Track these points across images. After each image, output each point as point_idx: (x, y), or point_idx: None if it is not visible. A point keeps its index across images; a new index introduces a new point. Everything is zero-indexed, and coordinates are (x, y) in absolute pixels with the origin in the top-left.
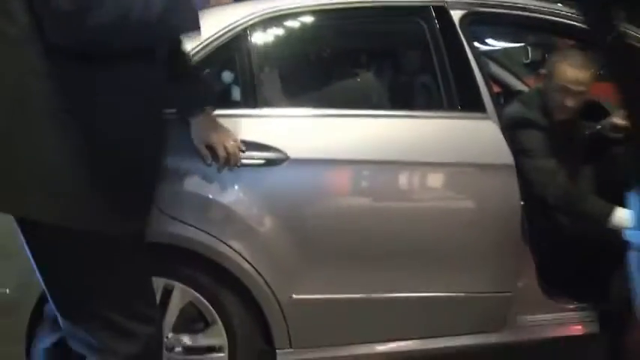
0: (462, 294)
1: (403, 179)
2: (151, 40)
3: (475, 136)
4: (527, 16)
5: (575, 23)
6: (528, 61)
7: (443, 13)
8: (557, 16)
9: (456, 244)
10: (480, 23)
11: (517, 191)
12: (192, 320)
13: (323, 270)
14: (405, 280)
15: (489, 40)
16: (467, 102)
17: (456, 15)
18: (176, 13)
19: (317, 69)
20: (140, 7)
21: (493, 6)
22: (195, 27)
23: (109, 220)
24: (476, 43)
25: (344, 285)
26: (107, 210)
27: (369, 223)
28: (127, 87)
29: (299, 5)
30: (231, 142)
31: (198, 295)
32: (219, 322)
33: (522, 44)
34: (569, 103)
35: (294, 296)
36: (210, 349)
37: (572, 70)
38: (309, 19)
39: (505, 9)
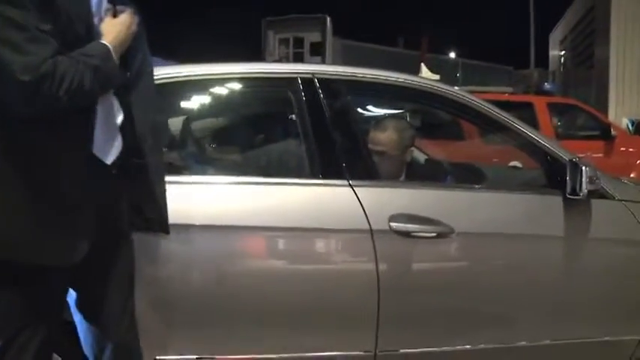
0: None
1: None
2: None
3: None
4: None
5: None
6: None
7: (310, 84)
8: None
9: None
10: (352, 93)
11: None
12: None
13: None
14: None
15: (370, 108)
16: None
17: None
18: (108, 74)
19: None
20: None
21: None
22: (121, 80)
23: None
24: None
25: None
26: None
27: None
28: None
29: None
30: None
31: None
32: None
33: (402, 110)
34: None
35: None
36: None
37: (374, 132)
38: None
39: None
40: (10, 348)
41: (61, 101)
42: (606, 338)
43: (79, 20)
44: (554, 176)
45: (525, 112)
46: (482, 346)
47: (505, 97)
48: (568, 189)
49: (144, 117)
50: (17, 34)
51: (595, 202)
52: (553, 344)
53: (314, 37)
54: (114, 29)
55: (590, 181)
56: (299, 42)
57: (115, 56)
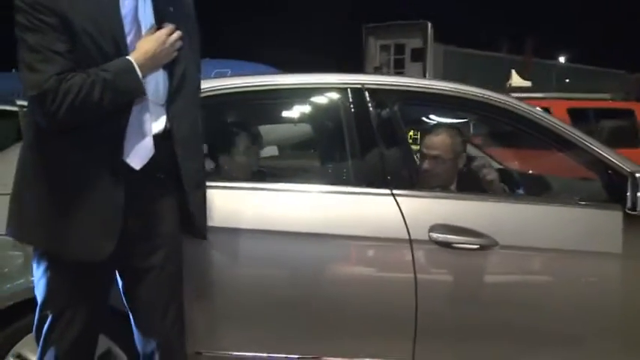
0: None
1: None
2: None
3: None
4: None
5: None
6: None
7: (359, 94)
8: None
9: None
10: (402, 103)
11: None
12: None
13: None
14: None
15: (423, 117)
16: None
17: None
18: (119, 88)
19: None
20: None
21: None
22: (138, 93)
23: None
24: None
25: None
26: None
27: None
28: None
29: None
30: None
31: (112, 342)
32: None
33: (465, 120)
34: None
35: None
36: None
37: (428, 136)
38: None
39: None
40: (59, 320)
41: (63, 114)
42: None
43: (104, 39)
44: (614, 190)
45: (624, 119)
46: None
47: (604, 104)
48: (628, 204)
49: (179, 127)
50: (31, 56)
51: None
52: None
53: (415, 43)
54: (145, 45)
55: None
56: (400, 48)
57: (140, 70)
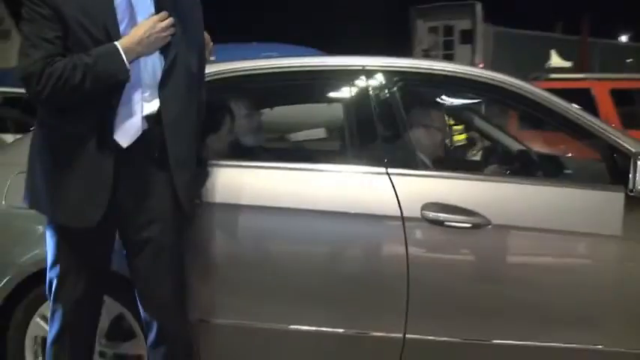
0: None
1: None
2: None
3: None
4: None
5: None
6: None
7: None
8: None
9: None
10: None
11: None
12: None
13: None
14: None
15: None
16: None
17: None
18: (99, 72)
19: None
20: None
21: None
22: (121, 76)
23: None
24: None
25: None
26: None
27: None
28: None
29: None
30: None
31: (124, 308)
32: (141, 335)
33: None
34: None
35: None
36: (138, 359)
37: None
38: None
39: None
40: (64, 281)
41: (47, 94)
42: None
43: (96, 27)
44: (617, 171)
45: None
46: (511, 342)
47: None
48: (630, 185)
49: (168, 110)
50: (24, 43)
51: None
52: (594, 349)
53: (464, 24)
54: (135, 32)
55: None
56: (449, 30)
57: (126, 54)
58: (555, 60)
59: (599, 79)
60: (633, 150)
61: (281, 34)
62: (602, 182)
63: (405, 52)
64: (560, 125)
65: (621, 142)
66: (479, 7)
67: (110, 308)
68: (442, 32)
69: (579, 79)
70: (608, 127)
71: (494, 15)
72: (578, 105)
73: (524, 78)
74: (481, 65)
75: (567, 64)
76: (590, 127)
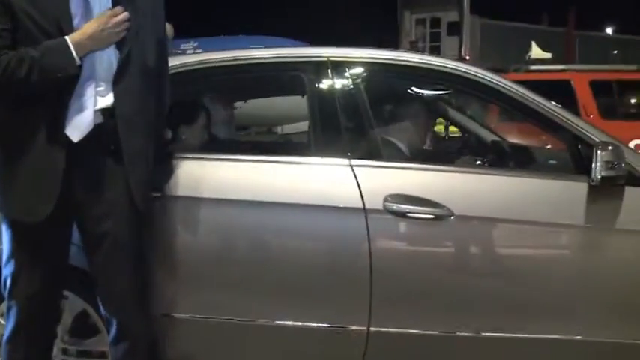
0: None
1: None
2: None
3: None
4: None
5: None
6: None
7: (322, 66)
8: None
9: None
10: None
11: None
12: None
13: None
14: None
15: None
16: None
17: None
18: (47, 66)
19: None
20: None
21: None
22: (69, 70)
23: None
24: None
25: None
26: None
27: None
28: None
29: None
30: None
31: (87, 304)
32: (105, 331)
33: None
34: None
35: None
36: (102, 355)
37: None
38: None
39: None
40: (19, 277)
41: None
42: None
43: (47, 20)
44: (581, 161)
45: None
46: (478, 333)
47: (630, 75)
48: (592, 175)
49: (122, 104)
50: None
51: (631, 190)
52: (555, 339)
53: (452, 16)
54: (88, 27)
55: (607, 166)
56: (436, 22)
57: (76, 49)
58: (535, 51)
59: (578, 71)
60: (596, 140)
61: (270, 28)
62: (568, 173)
63: (394, 45)
64: (525, 116)
65: (585, 133)
66: None
67: (73, 304)
68: (429, 24)
69: (559, 70)
70: (572, 118)
71: (481, 7)
72: (558, 96)
73: (505, 70)
74: (467, 57)
75: (547, 55)
76: (554, 118)
